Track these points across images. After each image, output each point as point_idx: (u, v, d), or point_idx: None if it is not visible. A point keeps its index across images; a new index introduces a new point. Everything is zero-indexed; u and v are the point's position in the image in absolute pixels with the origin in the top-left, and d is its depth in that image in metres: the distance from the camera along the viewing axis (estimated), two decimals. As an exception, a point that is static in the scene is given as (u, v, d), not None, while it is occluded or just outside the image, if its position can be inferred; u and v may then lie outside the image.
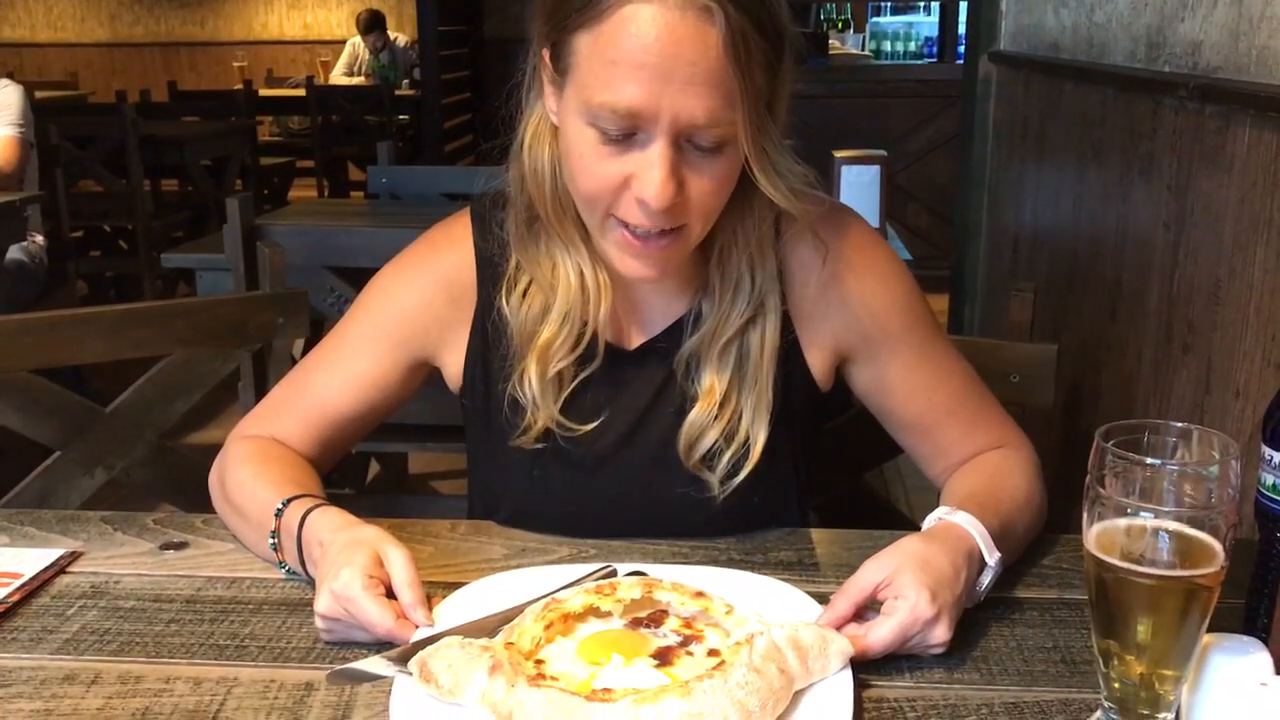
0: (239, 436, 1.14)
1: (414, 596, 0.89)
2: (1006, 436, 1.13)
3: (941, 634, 0.87)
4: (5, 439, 1.45)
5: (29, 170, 3.58)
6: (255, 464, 1.08)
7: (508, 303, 1.08)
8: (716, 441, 1.06)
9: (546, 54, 0.97)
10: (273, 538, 1.00)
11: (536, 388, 1.06)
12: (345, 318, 1.15)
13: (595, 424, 1.08)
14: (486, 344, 1.10)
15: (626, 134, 0.91)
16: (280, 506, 1.00)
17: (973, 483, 1.07)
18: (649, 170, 0.91)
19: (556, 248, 1.05)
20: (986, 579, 0.94)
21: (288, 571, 1.01)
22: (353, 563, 0.89)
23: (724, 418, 1.06)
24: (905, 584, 0.87)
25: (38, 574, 1.01)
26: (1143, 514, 0.73)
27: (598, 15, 0.89)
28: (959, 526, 0.94)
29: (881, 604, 0.88)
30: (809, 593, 0.94)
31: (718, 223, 1.01)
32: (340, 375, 1.13)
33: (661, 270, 1.00)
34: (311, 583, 0.95)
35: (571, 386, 1.08)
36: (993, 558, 0.93)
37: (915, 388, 1.11)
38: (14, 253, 3.36)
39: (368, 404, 1.13)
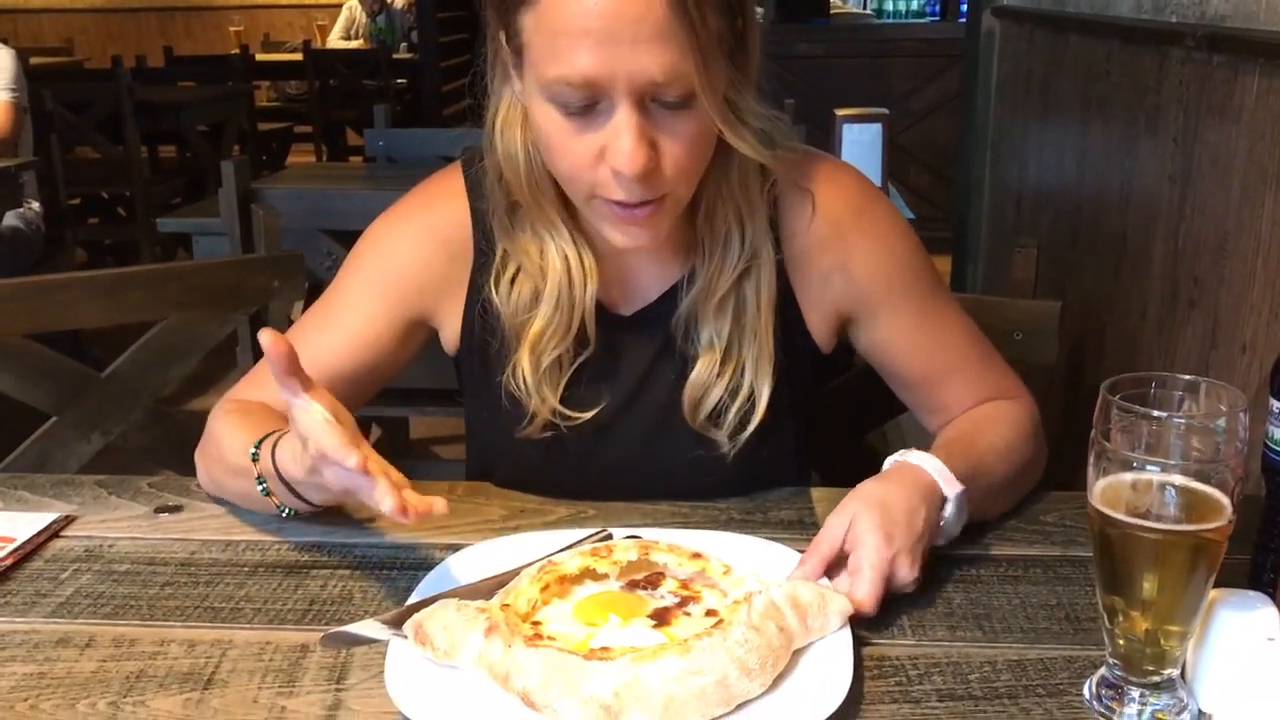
0: (226, 400, 1.10)
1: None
2: (1007, 390, 1.12)
3: (905, 573, 0.86)
4: (2, 405, 1.44)
5: (24, 136, 3.56)
6: (237, 417, 1.05)
7: (496, 292, 1.06)
8: (722, 398, 1.05)
9: (502, 36, 0.95)
10: (260, 484, 0.96)
11: (530, 381, 1.04)
12: (339, 277, 1.12)
13: (595, 410, 1.07)
14: (485, 324, 1.08)
15: (587, 106, 0.89)
16: (254, 451, 0.96)
17: (953, 429, 1.07)
18: (617, 139, 0.89)
19: (540, 232, 1.04)
20: (950, 511, 0.92)
21: (288, 514, 0.98)
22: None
23: (727, 373, 1.05)
24: (862, 529, 0.86)
25: (31, 538, 1.00)
26: (1149, 468, 0.72)
27: None
28: (915, 466, 0.93)
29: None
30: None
31: (701, 180, 0.99)
32: (336, 336, 1.08)
33: (653, 238, 0.98)
34: (315, 512, 0.95)
35: (569, 373, 1.06)
36: (952, 491, 0.92)
37: (918, 346, 1.10)
38: (10, 219, 3.35)
39: (365, 365, 1.09)
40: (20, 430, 1.42)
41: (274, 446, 0.94)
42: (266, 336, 0.81)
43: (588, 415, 1.06)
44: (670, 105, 0.89)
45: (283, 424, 1.02)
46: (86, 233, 4.87)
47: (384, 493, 0.78)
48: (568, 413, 1.06)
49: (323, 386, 0.85)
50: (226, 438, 1.04)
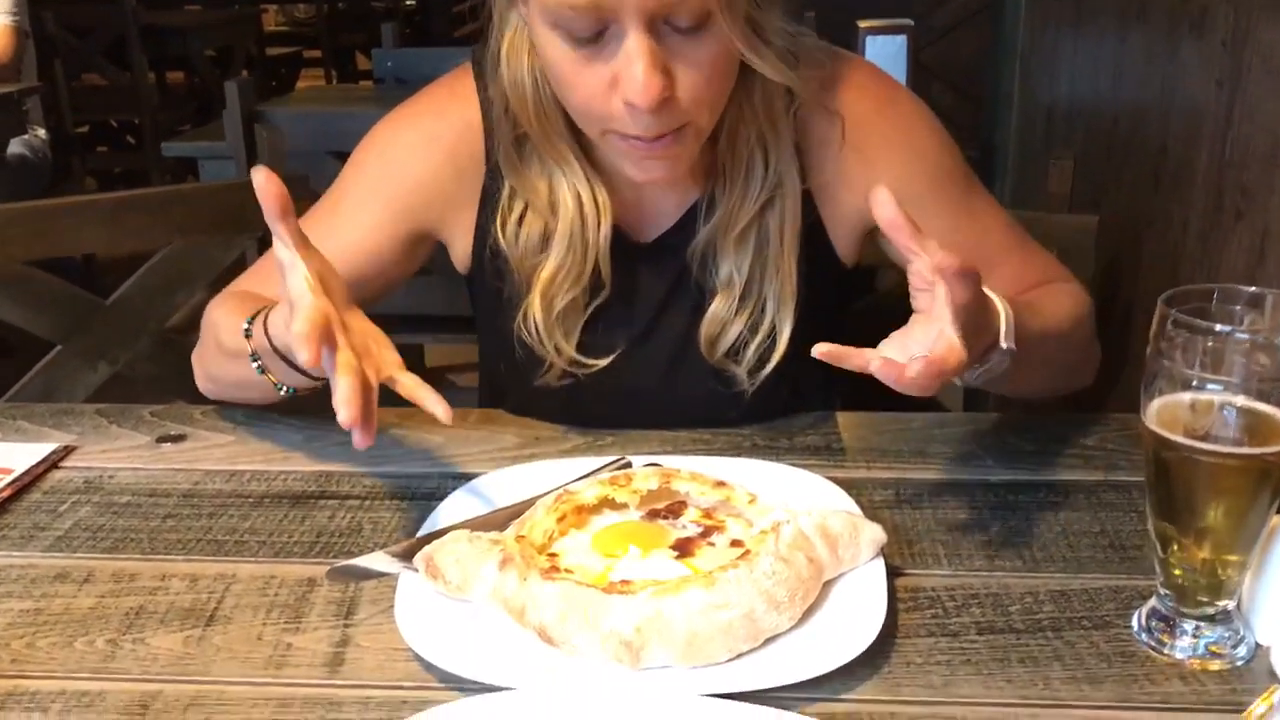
0: (222, 293, 1.05)
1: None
2: (1056, 276, 1.07)
3: (950, 340, 0.76)
4: (10, 335, 1.40)
5: (26, 61, 3.48)
6: (234, 303, 1.00)
7: (504, 234, 1.00)
8: (741, 334, 1.00)
9: None
10: (254, 360, 0.90)
11: (543, 329, 0.99)
12: (341, 178, 1.06)
13: (613, 356, 1.02)
14: (494, 267, 1.02)
15: (596, 32, 0.82)
16: (247, 327, 0.90)
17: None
18: (629, 67, 0.82)
19: (550, 166, 0.98)
20: (993, 359, 0.84)
21: (290, 391, 0.92)
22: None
23: (746, 309, 1.00)
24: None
25: (29, 469, 0.97)
26: (1209, 387, 0.67)
27: None
28: (991, 299, 0.84)
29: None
30: (836, 478, 0.89)
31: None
32: (335, 244, 0.99)
33: (673, 170, 0.92)
34: (316, 387, 0.89)
35: (585, 317, 1.01)
36: (1008, 341, 0.83)
37: (957, 247, 1.04)
38: (15, 146, 3.29)
39: (364, 276, 1.02)
40: (29, 361, 1.39)
41: (266, 318, 0.88)
42: (260, 173, 0.76)
43: (604, 362, 1.02)
44: (685, 29, 0.83)
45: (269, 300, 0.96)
46: (95, 161, 4.82)
47: (340, 400, 0.72)
48: (585, 361, 1.01)
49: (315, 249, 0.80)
50: (223, 323, 0.98)
